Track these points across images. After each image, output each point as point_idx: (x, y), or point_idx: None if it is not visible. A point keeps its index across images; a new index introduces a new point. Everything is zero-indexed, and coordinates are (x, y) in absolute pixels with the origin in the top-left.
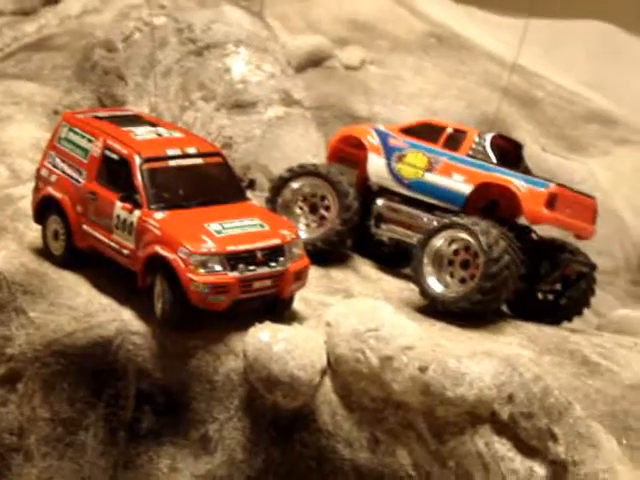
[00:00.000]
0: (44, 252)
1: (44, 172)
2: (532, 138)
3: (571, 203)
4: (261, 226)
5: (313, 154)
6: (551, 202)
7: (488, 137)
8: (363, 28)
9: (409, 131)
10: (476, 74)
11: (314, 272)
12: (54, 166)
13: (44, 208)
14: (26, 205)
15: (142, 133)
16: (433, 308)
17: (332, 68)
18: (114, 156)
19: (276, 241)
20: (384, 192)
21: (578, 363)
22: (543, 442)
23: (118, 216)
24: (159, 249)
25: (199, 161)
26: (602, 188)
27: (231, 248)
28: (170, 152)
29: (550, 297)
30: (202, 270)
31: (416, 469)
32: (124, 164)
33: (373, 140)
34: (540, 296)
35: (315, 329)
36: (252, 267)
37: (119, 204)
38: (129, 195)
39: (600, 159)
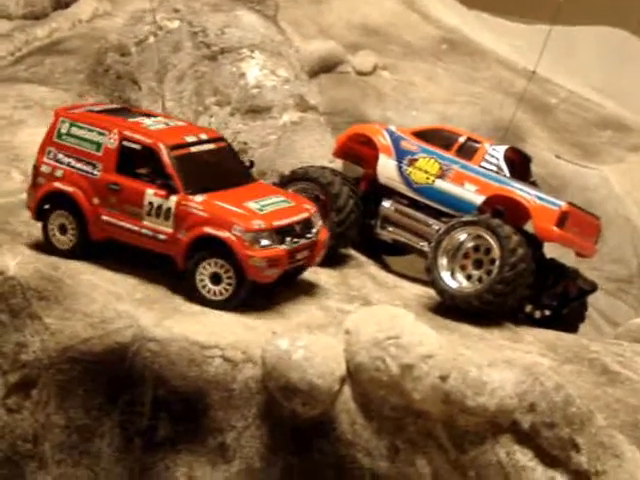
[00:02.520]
0: (60, 257)
1: (45, 168)
2: (545, 145)
3: (579, 222)
4: (287, 202)
5: (329, 160)
6: (562, 221)
7: (501, 149)
8: (375, 33)
9: (422, 135)
10: (489, 80)
11: (331, 279)
12: (57, 161)
13: (45, 204)
14: None
15: (151, 123)
16: (443, 302)
17: (344, 73)
18: (135, 146)
19: (306, 214)
20: (392, 194)
21: (598, 372)
22: (565, 452)
23: (151, 203)
24: (209, 229)
25: (212, 146)
26: (616, 195)
27: (277, 223)
28: (188, 139)
29: (546, 312)
30: (255, 246)
31: (436, 479)
32: (147, 153)
33: (384, 140)
34: (538, 314)
35: (334, 337)
36: (295, 239)
37: (150, 191)
38: (164, 182)
39: (614, 166)
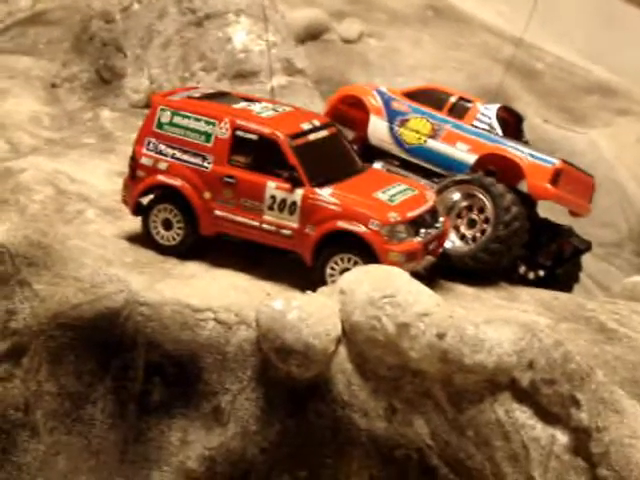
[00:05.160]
0: (47, 223)
1: (145, 160)
2: (533, 110)
3: (573, 180)
4: (412, 190)
5: None
6: (555, 178)
7: (493, 108)
8: (360, 1)
9: (413, 96)
10: (475, 46)
11: None
12: (159, 153)
13: (146, 198)
14: (27, 178)
15: (261, 110)
16: (436, 263)
17: (330, 41)
18: (250, 136)
19: (431, 203)
20: (383, 154)
21: (595, 330)
22: (565, 409)
23: (273, 197)
24: (344, 224)
25: (325, 133)
26: (605, 159)
27: (410, 214)
28: (304, 126)
29: (541, 273)
30: (393, 239)
31: (434, 438)
32: (265, 143)
33: (375, 101)
34: (531, 275)
35: (329, 297)
36: (428, 230)
37: (272, 184)
38: (287, 174)
39: (602, 130)
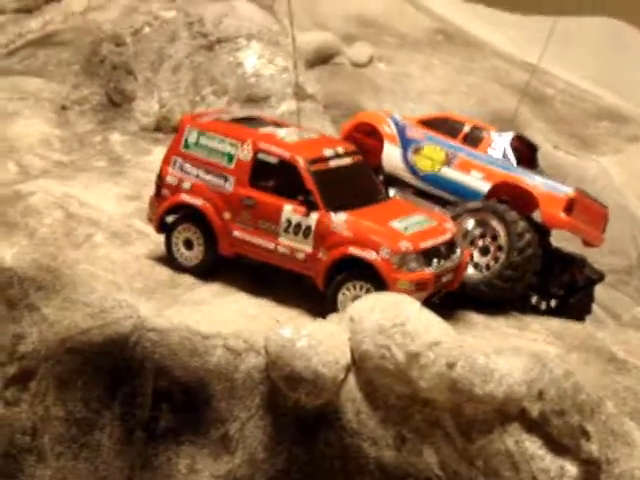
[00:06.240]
0: (56, 247)
1: (170, 179)
2: (544, 136)
3: (586, 210)
4: (430, 221)
5: None
6: (569, 207)
7: (508, 137)
8: (371, 25)
9: (427, 124)
10: (485, 71)
11: None
12: (184, 172)
13: (169, 217)
14: (37, 201)
15: (286, 135)
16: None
17: (340, 65)
18: (271, 159)
19: (449, 235)
20: (397, 182)
21: (605, 360)
22: (575, 440)
23: (289, 220)
24: (354, 250)
25: (349, 160)
26: (615, 186)
27: (423, 245)
28: (326, 153)
29: (553, 303)
30: (403, 268)
31: (443, 468)
32: (285, 167)
33: (389, 129)
34: (544, 305)
35: (339, 324)
36: (442, 262)
37: (288, 207)
38: (304, 198)
39: (612, 157)
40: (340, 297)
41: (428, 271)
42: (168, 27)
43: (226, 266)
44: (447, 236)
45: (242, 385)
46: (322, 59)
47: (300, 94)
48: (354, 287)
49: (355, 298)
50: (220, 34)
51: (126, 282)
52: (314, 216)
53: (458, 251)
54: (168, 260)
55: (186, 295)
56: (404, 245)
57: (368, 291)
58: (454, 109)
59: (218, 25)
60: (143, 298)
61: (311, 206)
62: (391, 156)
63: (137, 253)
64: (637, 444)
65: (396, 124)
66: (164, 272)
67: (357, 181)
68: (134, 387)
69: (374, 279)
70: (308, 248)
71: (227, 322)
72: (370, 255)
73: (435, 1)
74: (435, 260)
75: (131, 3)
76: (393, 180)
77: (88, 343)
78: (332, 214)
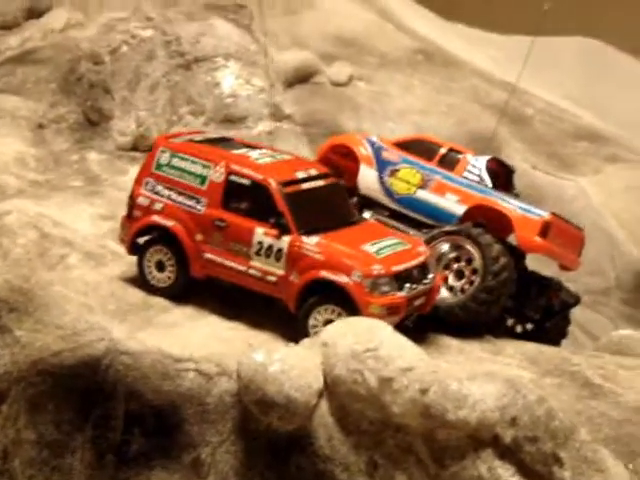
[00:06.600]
0: (30, 268)
1: (142, 200)
2: (522, 156)
3: (562, 233)
4: (403, 245)
5: None
6: (544, 231)
7: (483, 159)
8: (350, 44)
9: (403, 146)
10: (465, 90)
11: None
12: (156, 193)
13: (141, 238)
14: (11, 221)
15: (259, 156)
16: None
17: (319, 84)
18: (243, 181)
19: (422, 258)
20: (373, 204)
21: (580, 385)
22: (548, 467)
23: (260, 242)
24: (326, 274)
25: (322, 182)
26: (593, 206)
27: (396, 268)
28: (299, 175)
29: (529, 326)
30: (375, 292)
31: None
32: (257, 189)
33: (365, 151)
34: (519, 328)
35: (311, 349)
36: (414, 285)
37: (260, 230)
38: (275, 221)
39: (591, 177)
40: (311, 321)
41: (400, 295)
42: (145, 46)
43: (199, 288)
44: (420, 259)
45: (214, 409)
46: (301, 78)
47: (277, 115)
48: (326, 311)
49: (327, 322)
50: (197, 53)
51: (99, 304)
52: (286, 239)
53: (431, 274)
54: (141, 282)
55: (159, 317)
56: (376, 269)
57: (340, 315)
58: (434, 129)
59: (195, 44)
60: (116, 320)
61: (283, 229)
62: (367, 178)
63: (110, 274)
64: (610, 472)
65: (372, 146)
66: (137, 294)
67: (330, 204)
68: (106, 410)
69: (346, 303)
70: (280, 271)
71: (199, 345)
72: (342, 279)
73: (415, 20)
74: (407, 284)
75: (109, 22)
76: (369, 202)
77: (60, 366)
78: (304, 237)
